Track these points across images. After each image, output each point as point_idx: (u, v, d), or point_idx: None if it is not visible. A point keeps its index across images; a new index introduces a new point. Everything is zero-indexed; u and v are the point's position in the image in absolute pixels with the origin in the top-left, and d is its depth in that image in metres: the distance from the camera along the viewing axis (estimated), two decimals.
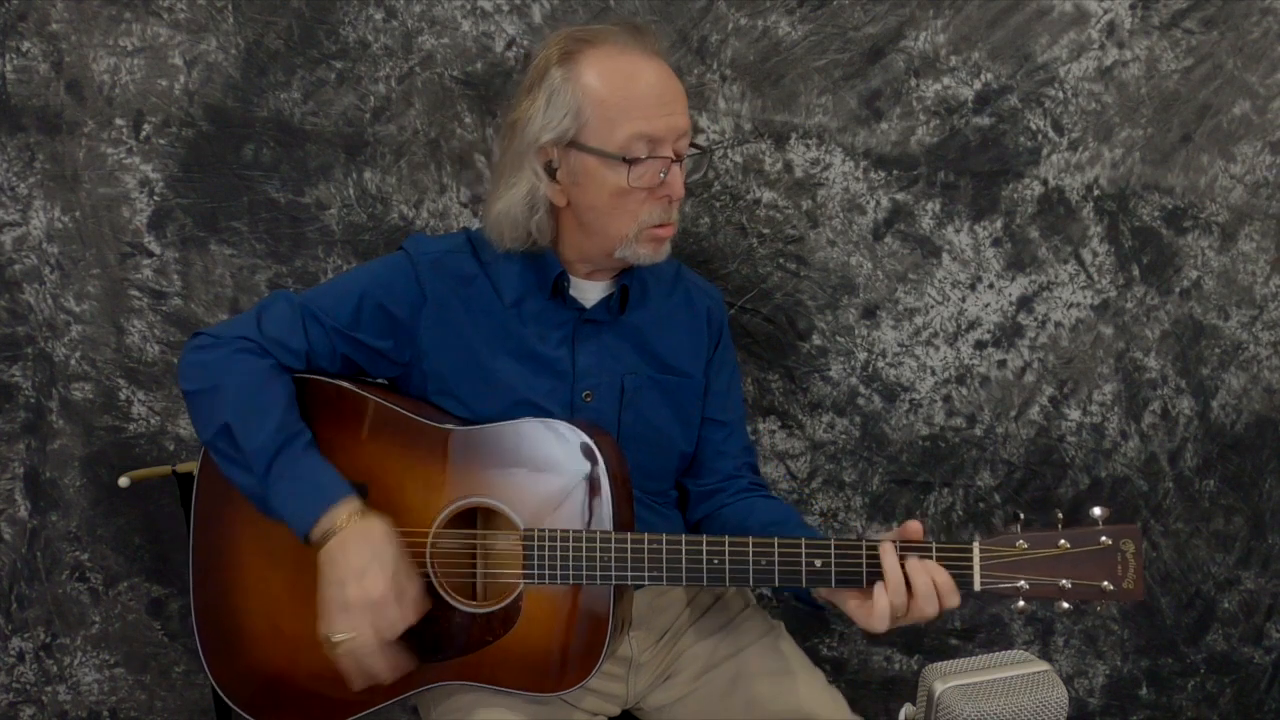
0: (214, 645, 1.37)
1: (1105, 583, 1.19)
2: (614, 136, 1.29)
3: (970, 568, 1.20)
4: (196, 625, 1.37)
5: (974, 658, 1.18)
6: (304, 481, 1.26)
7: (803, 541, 1.23)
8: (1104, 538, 1.19)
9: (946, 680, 1.14)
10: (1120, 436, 1.88)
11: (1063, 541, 1.19)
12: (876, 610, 1.20)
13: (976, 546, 1.20)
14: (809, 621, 1.94)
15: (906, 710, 1.20)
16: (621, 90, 1.29)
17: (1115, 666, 1.97)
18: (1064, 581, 1.19)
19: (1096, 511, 1.19)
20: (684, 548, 1.25)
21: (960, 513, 1.90)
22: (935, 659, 1.27)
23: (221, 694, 1.37)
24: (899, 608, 1.20)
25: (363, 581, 1.21)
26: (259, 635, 1.35)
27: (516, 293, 1.39)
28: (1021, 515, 1.22)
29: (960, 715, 1.11)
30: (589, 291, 1.41)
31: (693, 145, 1.37)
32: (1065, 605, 1.20)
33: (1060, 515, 1.21)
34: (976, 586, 1.20)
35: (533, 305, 1.39)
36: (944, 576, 1.20)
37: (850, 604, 1.24)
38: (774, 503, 1.50)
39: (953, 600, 1.20)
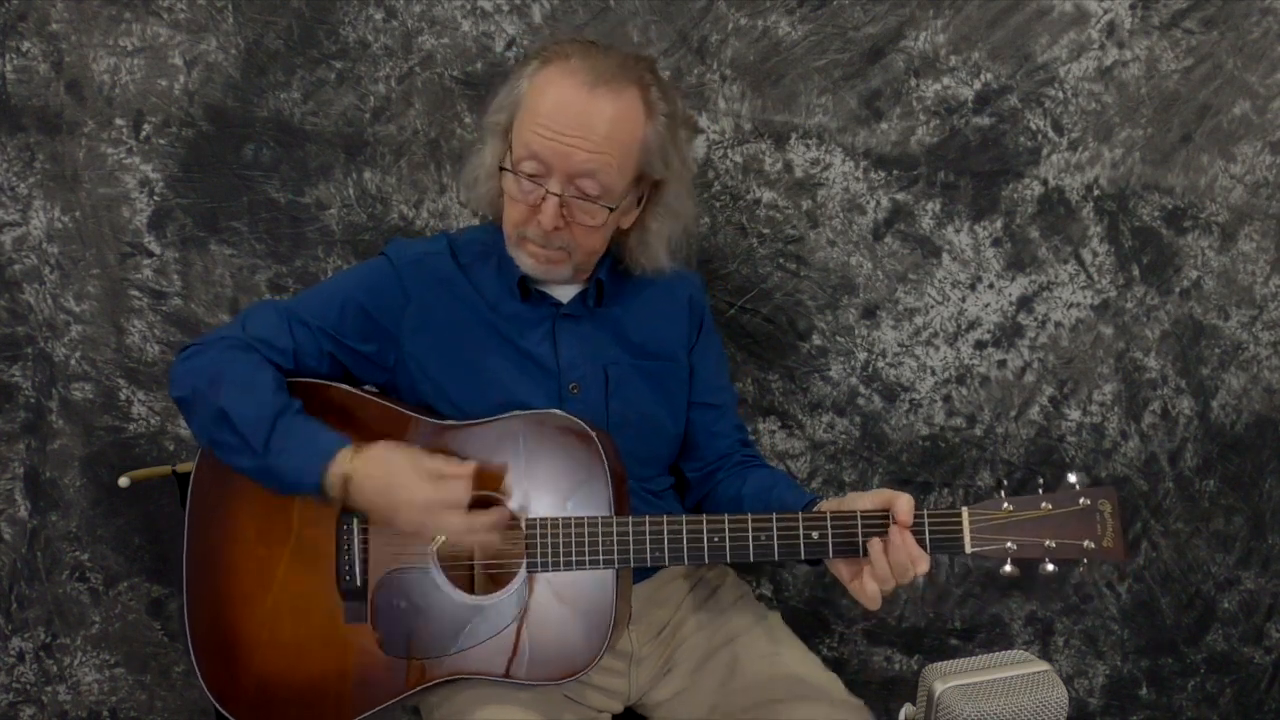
0: (208, 653, 1.37)
1: (1087, 541, 1.24)
2: (519, 141, 1.32)
3: (960, 531, 1.25)
4: (190, 633, 1.37)
5: (974, 658, 1.18)
6: (302, 441, 1.28)
7: (800, 516, 1.26)
8: (1083, 499, 1.25)
9: (946, 680, 1.14)
10: (1120, 436, 1.87)
11: (1045, 504, 1.25)
12: (868, 594, 1.26)
13: (965, 511, 1.25)
14: (808, 622, 1.94)
15: (906, 710, 1.20)
16: (540, 103, 1.30)
17: (1115, 666, 1.97)
18: (1048, 541, 1.25)
19: (1072, 477, 1.26)
20: (684, 527, 1.28)
21: None
22: (935, 659, 1.27)
23: (217, 703, 1.37)
24: (888, 589, 1.26)
25: (397, 497, 1.24)
26: (255, 644, 1.35)
27: (494, 295, 1.42)
28: (1005, 483, 1.28)
29: (960, 715, 1.11)
30: (561, 289, 1.44)
31: (604, 203, 1.32)
32: (1050, 567, 1.25)
33: (1041, 481, 1.27)
34: (968, 549, 1.25)
35: (510, 306, 1.42)
36: (916, 550, 1.24)
37: (850, 585, 1.29)
38: (765, 470, 1.51)
39: (923, 567, 1.24)
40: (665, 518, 1.28)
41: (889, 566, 1.23)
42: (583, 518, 1.29)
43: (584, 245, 1.37)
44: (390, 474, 1.25)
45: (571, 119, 1.28)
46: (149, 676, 1.95)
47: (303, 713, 1.35)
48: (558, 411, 1.32)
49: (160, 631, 1.93)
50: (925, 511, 1.25)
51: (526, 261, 1.38)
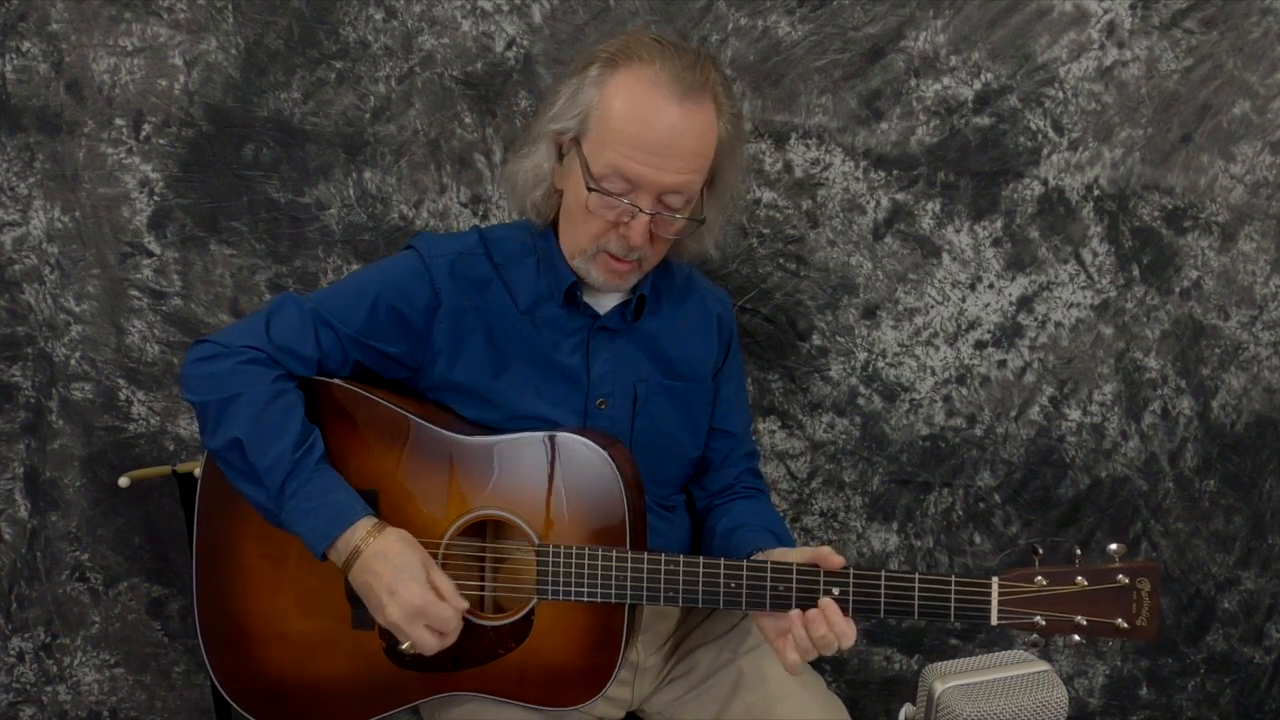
0: (218, 647, 1.37)
1: (1120, 620, 1.19)
2: (598, 158, 1.27)
3: (988, 603, 1.20)
4: (200, 627, 1.37)
5: (974, 658, 1.18)
6: (318, 501, 1.25)
7: (820, 569, 1.22)
8: (1121, 576, 1.18)
9: (946, 680, 1.14)
10: (1120, 436, 1.88)
11: (1080, 579, 1.19)
12: (787, 661, 1.22)
13: (995, 582, 1.20)
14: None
15: (906, 710, 1.20)
16: (625, 123, 1.25)
17: (1115, 666, 1.97)
18: (1079, 618, 1.19)
19: (1113, 547, 1.19)
20: (701, 571, 1.24)
21: (960, 513, 1.90)
22: (935, 659, 1.27)
23: (226, 695, 1.37)
24: (809, 658, 1.23)
25: (397, 597, 1.21)
26: (263, 639, 1.35)
27: (530, 298, 1.38)
28: (1039, 549, 1.22)
29: (960, 715, 1.11)
30: (603, 298, 1.40)
31: (692, 217, 1.33)
32: (1078, 639, 1.20)
33: (1079, 552, 1.21)
34: (993, 621, 1.20)
35: (547, 311, 1.38)
36: (842, 626, 1.20)
37: (774, 643, 1.25)
38: (743, 508, 1.49)
39: (847, 643, 1.21)
40: (681, 558, 1.24)
41: (810, 639, 1.20)
42: (596, 549, 1.26)
43: (657, 254, 1.35)
44: (399, 570, 1.22)
45: (663, 140, 1.25)
46: (149, 676, 1.95)
47: (310, 709, 1.35)
48: (575, 435, 1.29)
49: (160, 631, 1.93)
50: (954, 577, 1.20)
51: (598, 275, 1.34)
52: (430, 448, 1.31)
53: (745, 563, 1.24)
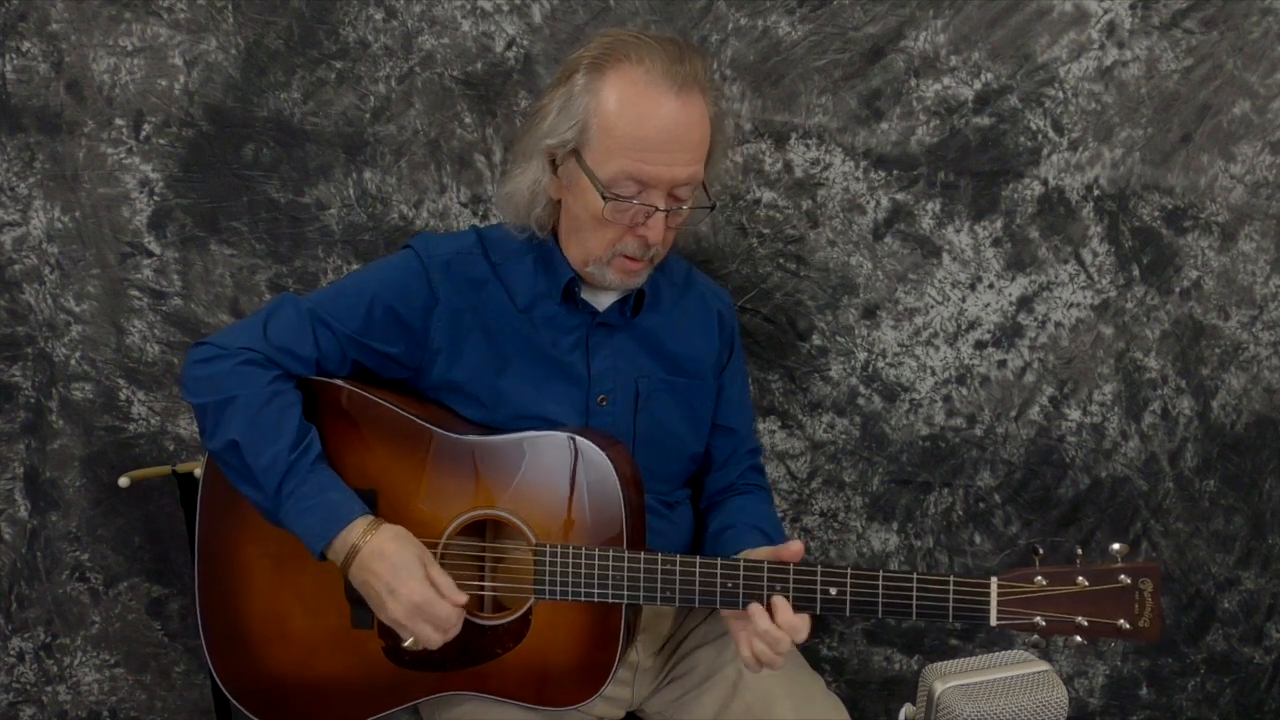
0: (220, 647, 1.37)
1: (1122, 621, 1.18)
2: (606, 166, 1.27)
3: (987, 603, 1.19)
4: (202, 627, 1.37)
5: (974, 658, 1.18)
6: (315, 501, 1.26)
7: (819, 568, 1.22)
8: (1123, 576, 1.17)
9: (946, 680, 1.14)
10: (1120, 436, 1.87)
11: (1081, 579, 1.18)
12: (740, 656, 1.25)
13: (994, 582, 1.19)
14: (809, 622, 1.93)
15: (906, 710, 1.20)
16: (628, 125, 1.26)
17: (1115, 666, 1.97)
18: (1080, 619, 1.18)
19: (1115, 548, 1.18)
20: (698, 570, 1.24)
21: (960, 513, 1.90)
22: (935, 659, 1.27)
23: (228, 694, 1.37)
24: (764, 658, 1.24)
25: (397, 595, 1.22)
26: (265, 637, 1.35)
27: (528, 296, 1.38)
28: (1040, 550, 1.21)
29: (960, 715, 1.11)
30: (601, 295, 1.41)
31: (703, 187, 1.35)
32: (1079, 640, 1.19)
33: (1079, 552, 1.21)
34: (992, 622, 1.19)
35: (545, 309, 1.38)
36: (794, 622, 1.22)
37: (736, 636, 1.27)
38: (737, 505, 1.49)
39: (799, 637, 1.22)
40: (679, 558, 1.24)
41: (761, 638, 1.21)
42: (593, 548, 1.26)
43: (667, 246, 1.36)
44: (396, 568, 1.23)
45: (668, 137, 1.26)
46: (149, 676, 1.95)
47: (311, 708, 1.35)
48: (576, 436, 1.29)
49: (160, 631, 1.93)
50: (952, 577, 1.20)
51: (613, 277, 1.35)
52: (429, 448, 1.31)
53: (741, 562, 1.24)
